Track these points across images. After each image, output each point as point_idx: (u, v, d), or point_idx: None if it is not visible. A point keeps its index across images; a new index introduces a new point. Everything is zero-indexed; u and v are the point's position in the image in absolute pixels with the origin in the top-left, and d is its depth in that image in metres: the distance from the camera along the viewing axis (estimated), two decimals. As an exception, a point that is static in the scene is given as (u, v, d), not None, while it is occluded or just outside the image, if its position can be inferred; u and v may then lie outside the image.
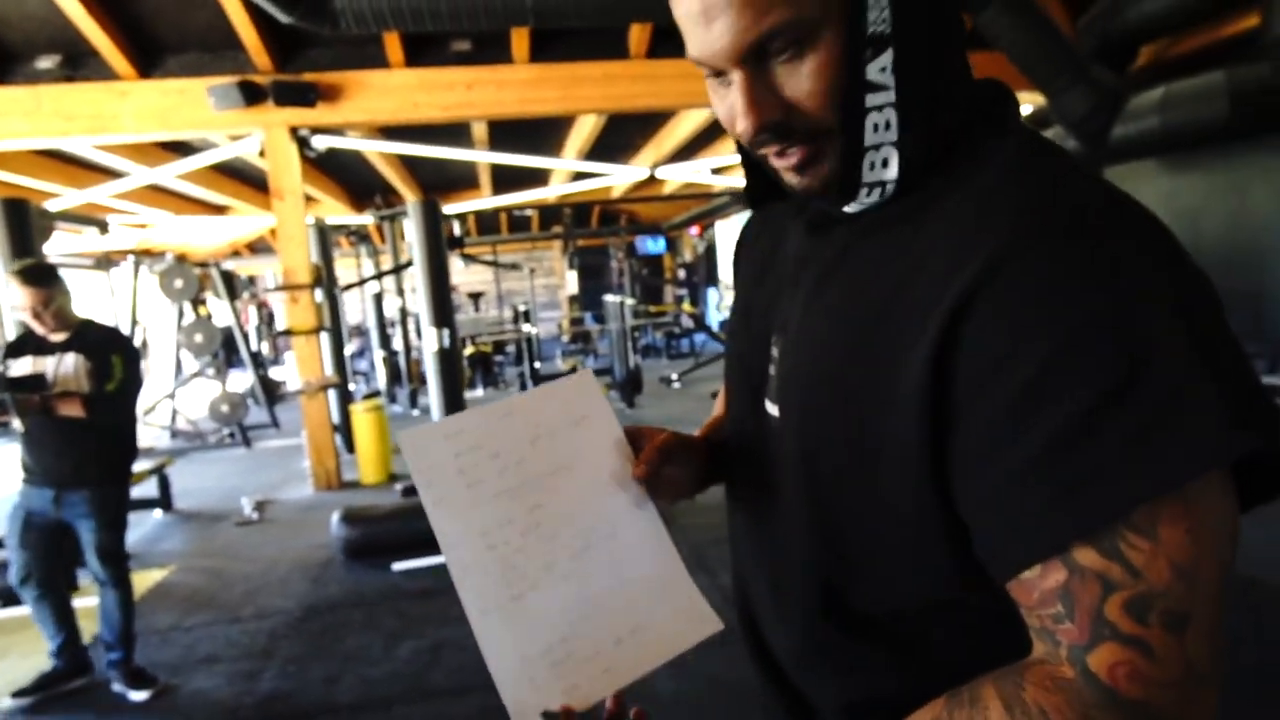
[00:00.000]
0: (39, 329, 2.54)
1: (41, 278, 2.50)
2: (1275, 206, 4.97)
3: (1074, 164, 0.52)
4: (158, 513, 5.17)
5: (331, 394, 6.09)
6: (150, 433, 7.93)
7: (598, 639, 0.56)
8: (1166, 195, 6.69)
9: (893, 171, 0.54)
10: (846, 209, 0.58)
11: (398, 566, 3.73)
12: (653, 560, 0.60)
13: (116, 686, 2.68)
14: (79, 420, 2.48)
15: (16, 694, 2.65)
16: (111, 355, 2.55)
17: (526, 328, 7.44)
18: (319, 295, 5.40)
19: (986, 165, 0.52)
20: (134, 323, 7.33)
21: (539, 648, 0.55)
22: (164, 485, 5.21)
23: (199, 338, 6.64)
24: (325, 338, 5.73)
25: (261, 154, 5.35)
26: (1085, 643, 0.43)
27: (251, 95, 4.91)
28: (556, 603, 0.56)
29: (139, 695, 2.65)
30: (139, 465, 5.33)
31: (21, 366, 2.50)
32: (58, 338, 2.55)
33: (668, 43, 5.49)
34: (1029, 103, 6.61)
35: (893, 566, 0.56)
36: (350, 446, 6.16)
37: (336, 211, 9.08)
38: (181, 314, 7.31)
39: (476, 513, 0.57)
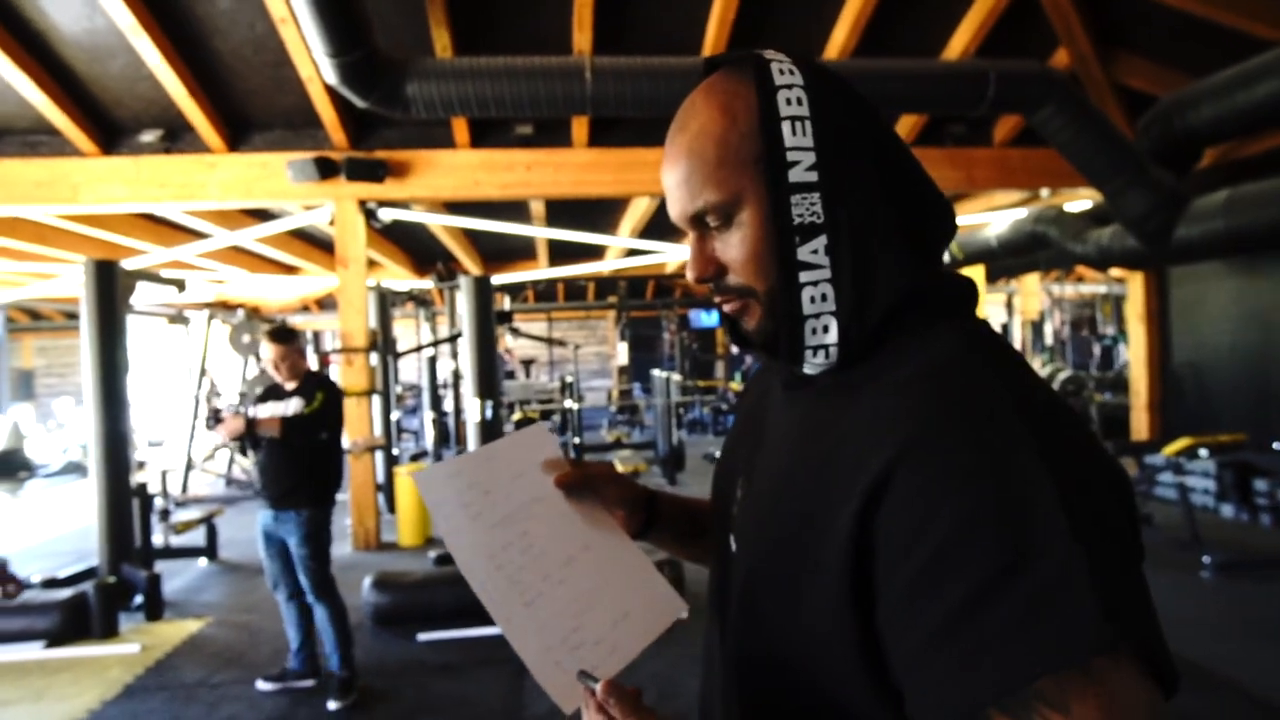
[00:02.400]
0: (277, 378, 3.15)
1: (281, 338, 3.11)
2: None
3: (997, 361, 0.58)
4: (203, 561, 5.31)
5: (378, 454, 6.23)
6: (205, 480, 8.22)
7: (599, 626, 0.68)
8: (1234, 297, 6.48)
9: (833, 336, 0.60)
10: (805, 368, 0.64)
11: (423, 637, 3.72)
12: (624, 562, 0.73)
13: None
14: (287, 452, 3.03)
15: (265, 678, 3.22)
16: (316, 391, 3.10)
17: (568, 402, 7.50)
18: (373, 359, 5.60)
19: (917, 354, 0.58)
20: (202, 373, 7.70)
21: (556, 639, 0.66)
22: (211, 534, 5.36)
23: (260, 390, 6.94)
24: (376, 400, 5.90)
25: (331, 223, 5.67)
26: None
27: (326, 170, 5.25)
28: (559, 604, 0.68)
29: (333, 704, 3.03)
30: (187, 514, 5.52)
31: (265, 410, 3.11)
32: (290, 386, 3.13)
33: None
34: (1088, 198, 6.56)
35: (815, 706, 0.59)
36: (392, 507, 6.25)
37: (399, 276, 9.48)
38: (247, 366, 7.67)
39: (481, 539, 0.69)
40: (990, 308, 15.85)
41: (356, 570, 4.85)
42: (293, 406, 3.08)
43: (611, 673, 0.65)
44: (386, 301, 6.65)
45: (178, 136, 5.31)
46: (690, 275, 0.64)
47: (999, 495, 0.49)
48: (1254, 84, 4.29)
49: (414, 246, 9.09)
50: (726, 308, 0.65)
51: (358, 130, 5.40)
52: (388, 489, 6.41)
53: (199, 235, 7.14)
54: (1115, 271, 8.31)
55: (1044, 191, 6.61)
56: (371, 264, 7.69)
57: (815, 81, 0.60)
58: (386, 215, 5.66)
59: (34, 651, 3.71)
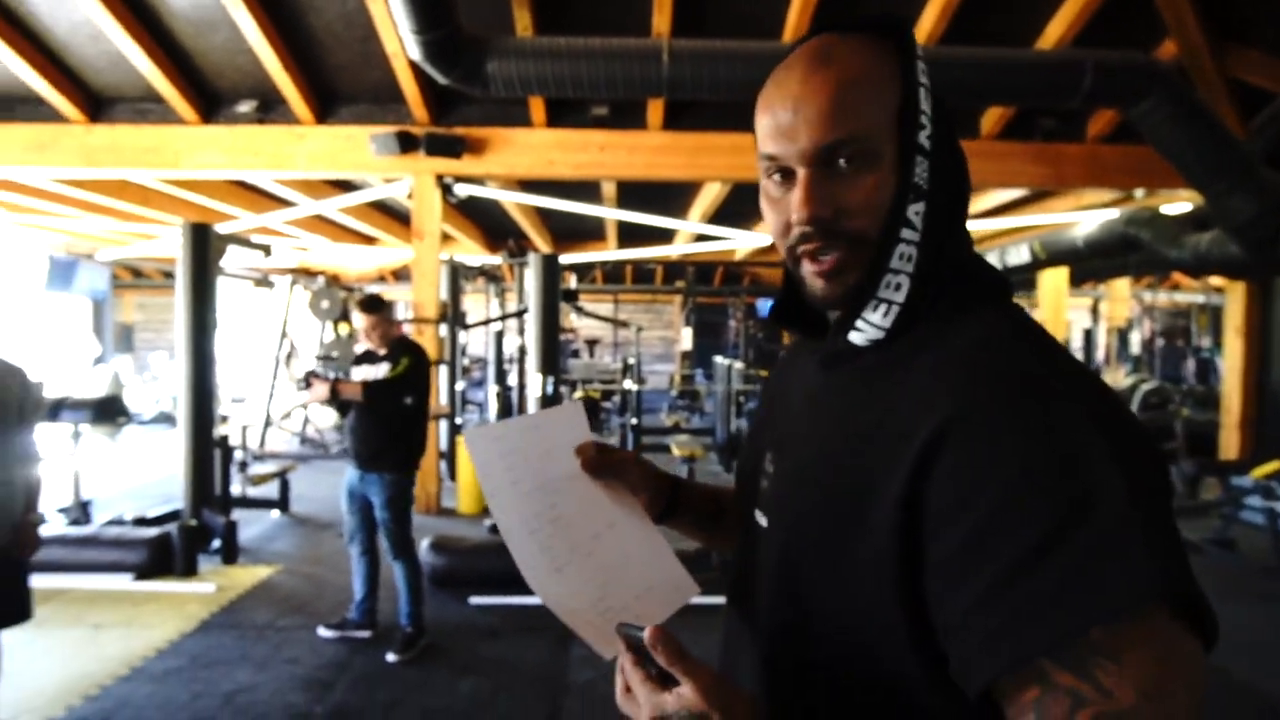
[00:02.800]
0: (369, 345, 3.32)
1: (370, 307, 3.25)
2: None
3: (1040, 343, 0.60)
4: (275, 513, 5.61)
5: (443, 422, 6.43)
6: (281, 437, 8.65)
7: (624, 596, 0.71)
8: (1348, 311, 6.00)
9: (902, 295, 0.62)
10: (851, 338, 0.65)
11: (475, 600, 3.85)
12: (646, 542, 0.76)
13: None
14: (373, 416, 3.18)
15: (327, 626, 3.40)
16: (402, 356, 3.24)
17: (628, 383, 7.56)
18: (442, 330, 5.76)
19: (966, 328, 0.61)
20: (283, 335, 8.08)
21: (585, 603, 0.70)
22: (284, 488, 5.66)
23: (336, 354, 7.24)
24: (442, 370, 6.08)
25: (409, 196, 5.85)
26: None
27: (406, 144, 5.40)
28: (587, 573, 0.71)
29: (391, 656, 3.18)
30: (264, 468, 5.82)
31: (358, 373, 3.31)
32: (381, 352, 3.30)
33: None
34: (1187, 200, 6.17)
35: (857, 674, 0.60)
36: (453, 474, 6.45)
37: (471, 251, 9.70)
38: (324, 330, 8.01)
39: (518, 504, 0.72)
40: (1073, 313, 15.14)
41: (416, 532, 5.03)
42: (379, 371, 3.23)
43: None
44: (458, 275, 6.83)
45: (271, 108, 5.55)
46: (804, 214, 0.62)
47: (1052, 455, 0.51)
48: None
49: (487, 222, 9.28)
50: (825, 258, 0.63)
51: (438, 106, 5.54)
52: (450, 457, 6.62)
53: (286, 203, 7.47)
54: (1214, 280, 7.82)
55: (1138, 192, 6.26)
56: (446, 238, 7.89)
57: (925, 61, 0.64)
58: (462, 191, 5.80)
59: (125, 582, 4.01)
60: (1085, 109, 5.51)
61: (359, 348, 3.44)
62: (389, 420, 3.19)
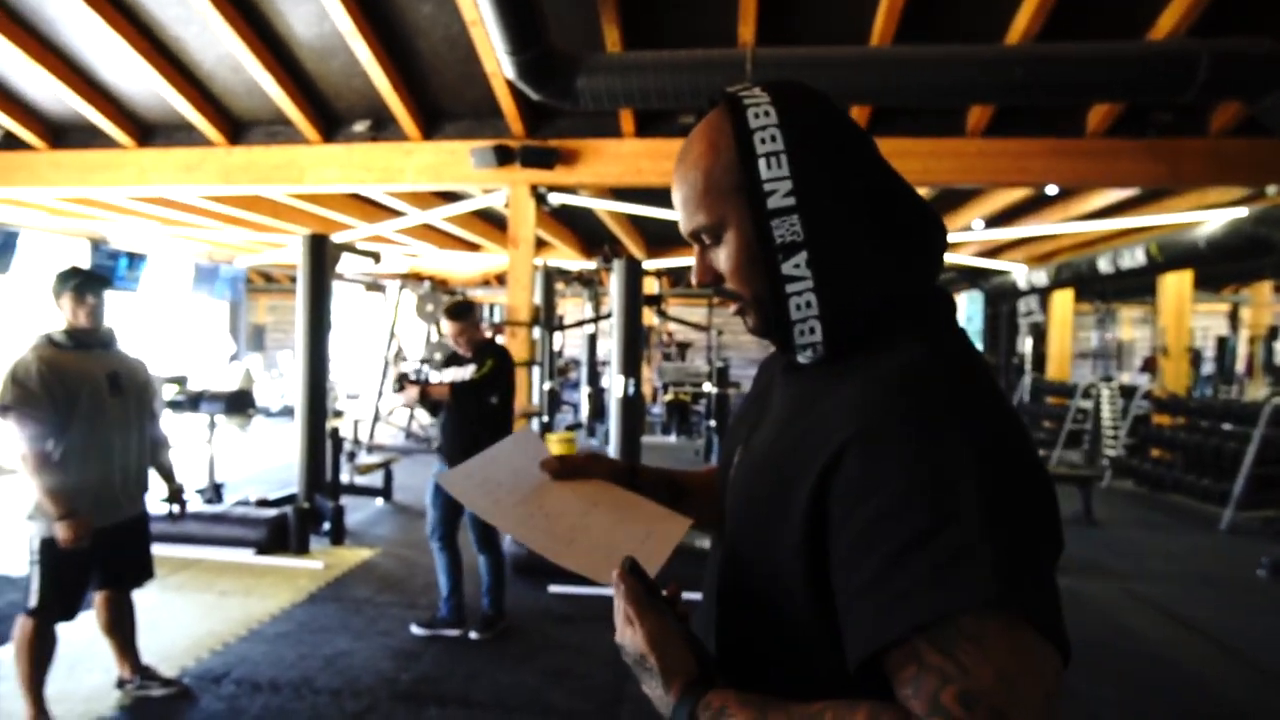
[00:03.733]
0: (457, 349, 3.55)
1: (456, 314, 3.47)
2: None
3: (953, 375, 0.66)
4: (379, 500, 6.05)
5: (533, 421, 6.72)
6: (388, 432, 9.24)
7: (631, 542, 0.81)
8: None
9: (819, 336, 0.72)
10: (800, 359, 0.76)
11: (553, 589, 4.05)
12: (631, 501, 0.88)
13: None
14: (460, 415, 3.39)
15: (418, 625, 3.48)
16: (487, 358, 3.42)
17: (707, 386, 7.63)
18: (535, 333, 6.04)
19: (892, 358, 0.68)
20: (392, 336, 8.65)
21: (600, 555, 0.79)
22: (388, 478, 6.09)
23: (438, 356, 7.71)
24: (535, 370, 6.37)
25: (506, 205, 6.17)
26: (925, 713, 0.55)
27: (504, 157, 5.71)
28: (594, 535, 0.82)
29: (474, 634, 3.42)
30: (370, 459, 6.28)
31: (448, 375, 3.54)
32: (468, 354, 3.53)
33: (886, 122, 5.51)
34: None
35: (776, 638, 0.71)
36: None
37: (568, 256, 10.04)
38: (430, 332, 8.52)
39: (510, 514, 0.84)
40: (1207, 319, 13.93)
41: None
42: (465, 373, 3.43)
43: (652, 571, 0.78)
44: (551, 279, 7.13)
45: (383, 126, 6.01)
46: (695, 280, 0.78)
47: (931, 477, 0.59)
48: None
49: (582, 229, 9.58)
50: (730, 310, 0.80)
51: (533, 120, 5.82)
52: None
53: (397, 213, 8.02)
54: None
55: (1270, 189, 5.78)
56: (543, 244, 8.24)
57: (790, 118, 0.70)
58: (555, 199, 6.06)
59: (247, 556, 4.47)
60: (1204, 102, 5.16)
61: (440, 350, 3.74)
62: (475, 419, 3.37)
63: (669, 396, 10.33)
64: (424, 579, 4.21)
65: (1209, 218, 6.41)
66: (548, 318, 7.12)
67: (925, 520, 0.58)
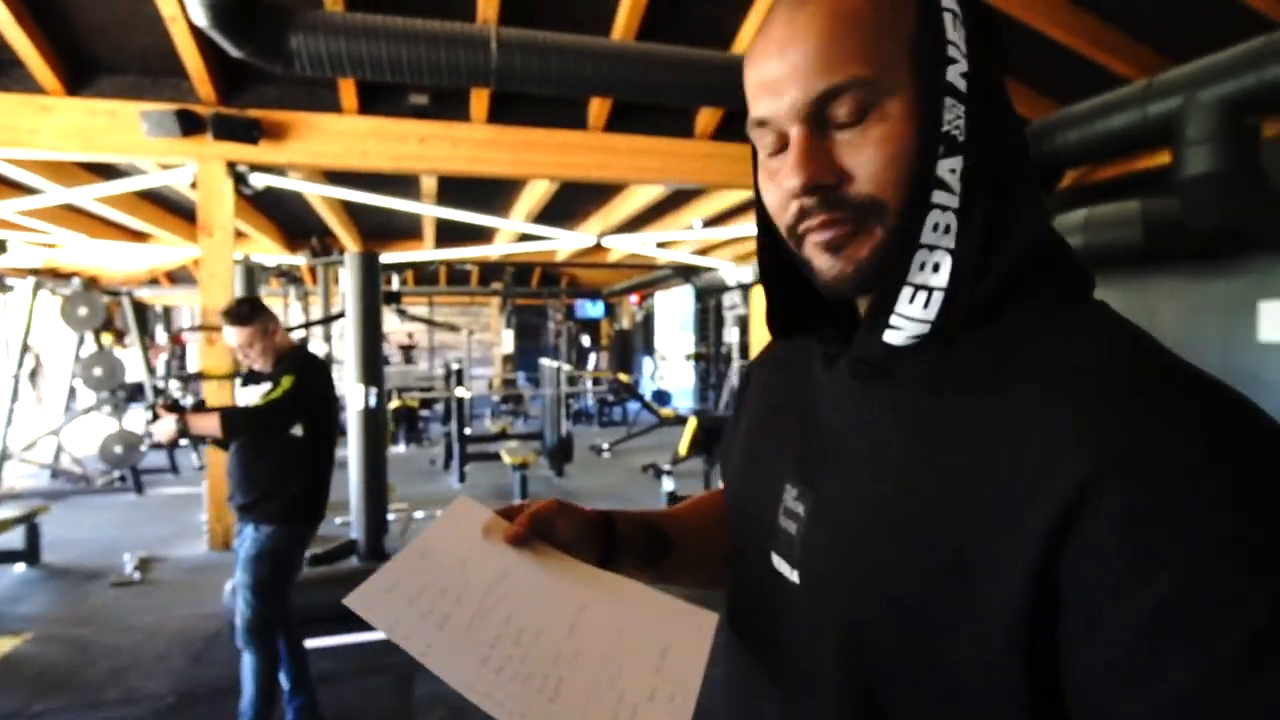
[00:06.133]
0: (252, 365, 2.56)
1: (241, 317, 2.48)
2: (1180, 326, 5.30)
3: (1176, 361, 0.46)
4: (20, 566, 4.61)
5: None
6: (25, 471, 7.22)
7: (643, 681, 0.54)
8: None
9: (943, 278, 0.49)
10: (886, 338, 0.51)
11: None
12: (629, 600, 0.60)
13: None
14: (248, 452, 2.46)
15: None
16: (284, 374, 2.46)
17: (461, 390, 7.18)
18: (238, 338, 5.07)
19: (1066, 338, 0.48)
20: (24, 348, 6.73)
21: (611, 711, 0.52)
22: (33, 535, 4.67)
23: (98, 371, 6.14)
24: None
25: (193, 185, 5.08)
26: None
27: (189, 125, 4.68)
28: (586, 681, 0.54)
29: None
30: (1, 513, 4.78)
31: (245, 396, 2.57)
32: (267, 369, 2.54)
33: (624, 118, 5.56)
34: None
35: None
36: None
37: (267, 250, 8.72)
38: (82, 343, 6.78)
39: (462, 646, 0.55)
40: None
41: (214, 572, 4.39)
42: (257, 394, 2.51)
43: (687, 713, 0.53)
44: (254, 277, 6.07)
45: (3, 71, 4.56)
46: (797, 181, 0.50)
47: (1259, 520, 0.38)
48: (1110, 115, 4.68)
49: (286, 218, 8.38)
50: (828, 234, 0.51)
51: (229, 83, 4.85)
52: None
53: (26, 190, 6.22)
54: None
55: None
56: (238, 235, 7.00)
57: None
58: (259, 181, 5.13)
59: None
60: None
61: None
62: (272, 456, 2.47)
63: (395, 403, 9.54)
64: (108, 662, 3.24)
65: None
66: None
67: (1266, 601, 0.37)
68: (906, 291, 0.49)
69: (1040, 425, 0.44)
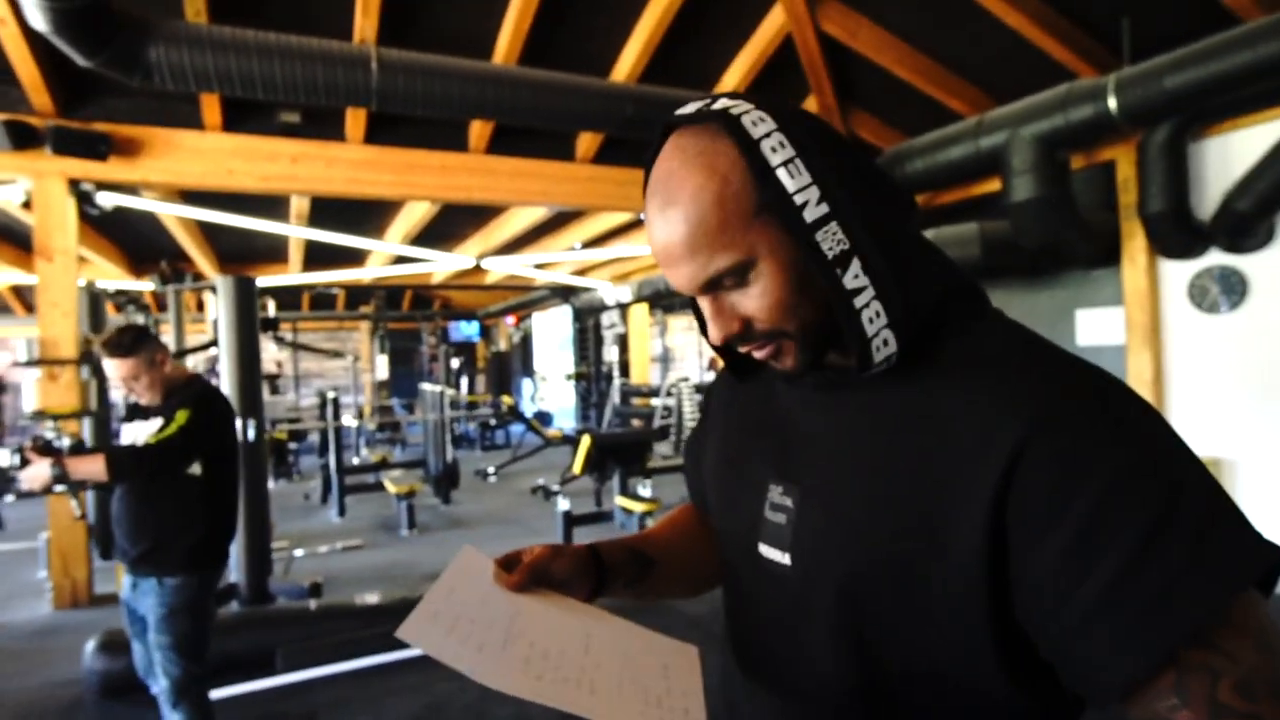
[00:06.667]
0: (137, 399, 2.32)
1: (120, 348, 2.21)
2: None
3: (1058, 349, 0.62)
4: None
5: (90, 491, 5.12)
6: None
7: (658, 683, 0.65)
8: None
9: (894, 346, 0.61)
10: (871, 371, 0.63)
11: None
12: (621, 629, 0.71)
13: None
14: (138, 495, 2.22)
15: None
16: (179, 409, 2.21)
17: (348, 418, 6.84)
18: (85, 373, 4.61)
19: (982, 343, 0.62)
20: None
21: (635, 710, 0.62)
22: None
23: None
24: (87, 424, 4.86)
25: (27, 205, 4.59)
26: (1207, 718, 0.49)
27: (22, 138, 4.24)
28: (614, 680, 0.64)
29: None
30: None
31: (127, 436, 2.30)
32: (155, 403, 2.31)
33: (506, 141, 5.57)
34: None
35: (942, 692, 0.60)
36: (106, 552, 5.17)
37: (108, 275, 7.95)
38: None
39: (504, 663, 0.63)
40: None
41: (64, 635, 3.96)
42: (145, 431, 2.26)
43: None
44: (100, 305, 5.53)
45: None
46: (716, 337, 0.64)
47: (1140, 452, 0.53)
48: (949, 147, 5.23)
49: (131, 240, 7.69)
50: (759, 354, 0.65)
51: (70, 94, 4.44)
52: (102, 529, 5.30)
53: None
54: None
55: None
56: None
57: (784, 121, 0.60)
58: (107, 200, 4.71)
59: None
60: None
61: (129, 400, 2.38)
62: (165, 500, 2.23)
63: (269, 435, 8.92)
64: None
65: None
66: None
67: (1158, 505, 0.50)
68: (875, 342, 0.61)
69: (977, 405, 0.58)
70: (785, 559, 0.66)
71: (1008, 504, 0.54)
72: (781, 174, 0.58)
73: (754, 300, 0.61)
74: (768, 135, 0.59)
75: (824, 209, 0.59)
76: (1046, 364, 0.59)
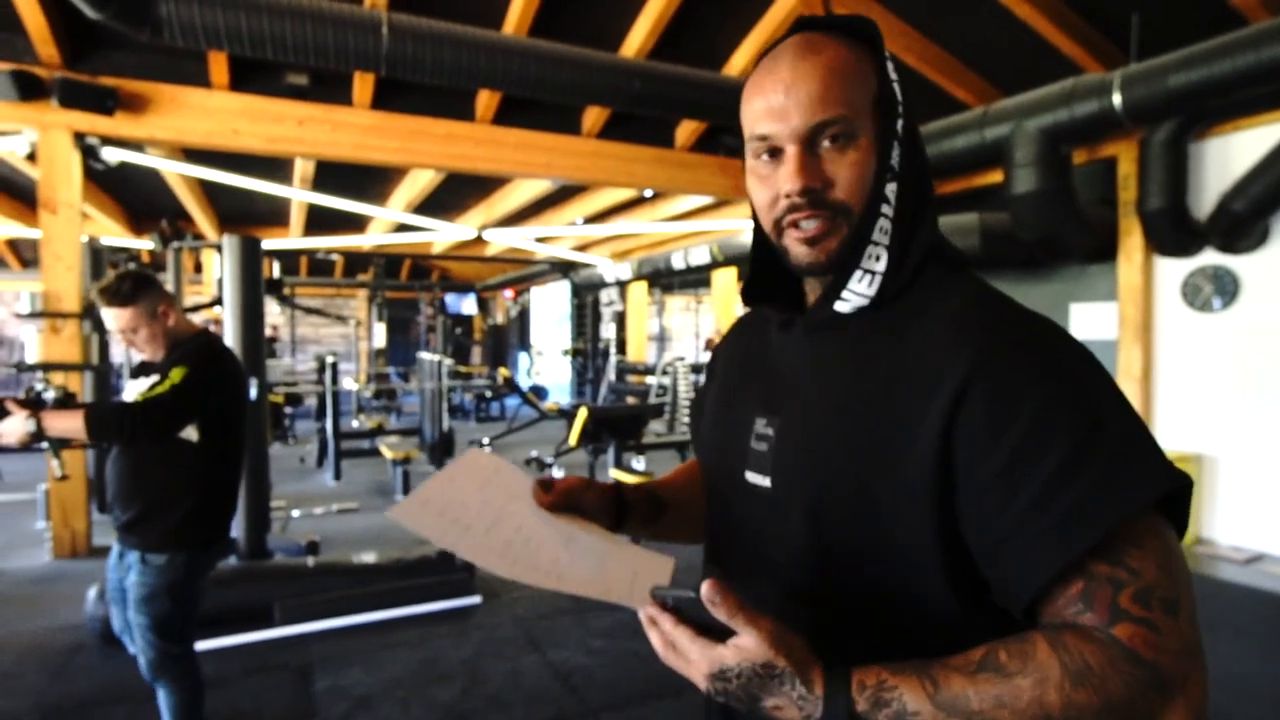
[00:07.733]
0: (140, 353, 2.11)
1: (119, 296, 2.01)
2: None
3: (1014, 302, 0.70)
4: None
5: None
6: None
7: (622, 582, 0.69)
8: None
9: (882, 265, 0.70)
10: (836, 307, 0.72)
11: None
12: (607, 539, 0.76)
13: None
14: (129, 457, 2.04)
15: None
16: (174, 367, 1.98)
17: (348, 382, 6.87)
18: (87, 327, 4.64)
19: (951, 295, 0.70)
20: None
21: (597, 591, 0.67)
22: None
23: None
24: (88, 378, 4.90)
25: (31, 157, 4.59)
26: (1106, 622, 0.56)
27: (29, 89, 4.24)
28: (584, 569, 0.70)
29: None
30: None
31: (130, 392, 2.08)
32: (159, 358, 2.10)
33: (512, 112, 5.58)
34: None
35: (890, 607, 0.67)
36: (103, 506, 5.24)
37: (108, 232, 7.94)
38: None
39: (482, 545, 0.70)
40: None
41: (65, 582, 4.03)
42: (138, 388, 2.05)
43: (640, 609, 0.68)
44: (102, 261, 5.55)
45: None
46: (796, 184, 0.68)
47: (1068, 385, 0.61)
48: (955, 136, 5.25)
49: (133, 197, 7.67)
50: (810, 226, 0.70)
51: (77, 45, 4.43)
52: (100, 482, 5.36)
53: None
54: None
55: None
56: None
57: (890, 59, 0.72)
58: (113, 156, 4.72)
59: None
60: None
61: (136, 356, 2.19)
62: (156, 465, 2.03)
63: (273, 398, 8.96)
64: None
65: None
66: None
67: (1080, 430, 0.58)
68: (858, 274, 0.70)
69: (937, 346, 0.65)
70: (766, 482, 0.74)
71: (953, 432, 0.61)
72: (895, 86, 0.71)
73: (845, 167, 0.68)
74: (890, 58, 0.71)
75: (902, 131, 0.70)
76: (998, 313, 0.67)
